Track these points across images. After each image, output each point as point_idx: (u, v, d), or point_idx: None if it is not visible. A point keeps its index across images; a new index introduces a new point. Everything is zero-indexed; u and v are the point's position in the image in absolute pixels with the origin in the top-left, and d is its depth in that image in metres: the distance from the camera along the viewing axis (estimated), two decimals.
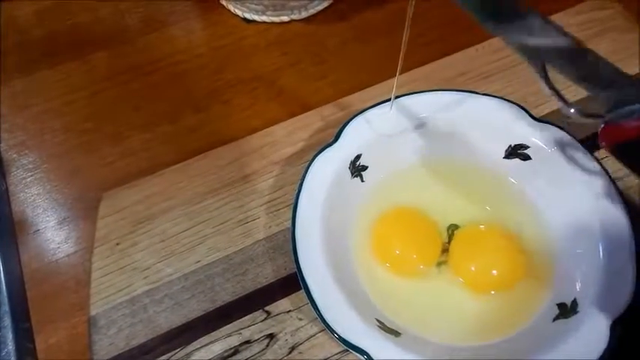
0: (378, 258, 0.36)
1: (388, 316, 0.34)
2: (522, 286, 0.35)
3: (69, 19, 0.54)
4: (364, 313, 0.32)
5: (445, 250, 0.36)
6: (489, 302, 0.34)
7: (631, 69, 0.45)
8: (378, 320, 0.33)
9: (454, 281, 0.35)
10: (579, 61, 0.27)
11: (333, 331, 0.31)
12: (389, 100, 0.39)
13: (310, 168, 0.36)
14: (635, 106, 0.26)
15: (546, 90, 0.28)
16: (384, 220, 0.37)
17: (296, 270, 0.33)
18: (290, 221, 0.35)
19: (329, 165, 0.37)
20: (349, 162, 0.37)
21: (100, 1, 0.55)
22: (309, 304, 0.32)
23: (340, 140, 0.37)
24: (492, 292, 0.35)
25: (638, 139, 0.26)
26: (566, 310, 0.32)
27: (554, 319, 0.32)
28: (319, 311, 0.31)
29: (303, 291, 0.32)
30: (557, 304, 0.33)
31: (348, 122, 0.38)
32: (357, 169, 0.38)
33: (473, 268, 0.36)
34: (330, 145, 0.37)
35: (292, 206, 0.35)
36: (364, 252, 0.36)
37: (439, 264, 0.36)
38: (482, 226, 0.37)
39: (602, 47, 0.47)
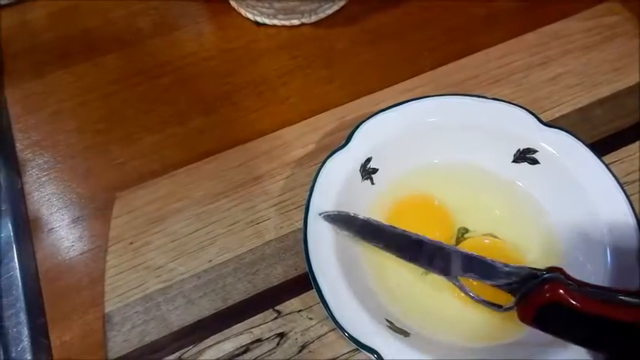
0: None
1: (397, 316, 0.34)
2: None
3: (81, 23, 0.55)
4: (374, 312, 0.33)
5: None
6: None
7: (635, 76, 0.46)
8: (387, 320, 0.33)
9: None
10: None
11: (343, 330, 0.31)
12: (398, 103, 0.40)
13: (321, 170, 0.37)
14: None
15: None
16: (404, 200, 0.38)
17: (307, 270, 0.33)
18: (300, 222, 0.36)
19: (340, 168, 0.37)
20: (360, 165, 0.38)
21: (111, 5, 0.56)
22: (320, 304, 0.32)
23: (351, 143, 0.38)
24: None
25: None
26: None
27: None
28: (330, 311, 0.32)
29: (313, 291, 0.33)
30: None
31: (358, 126, 0.39)
32: (367, 171, 0.38)
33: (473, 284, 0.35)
34: (340, 148, 0.38)
35: (304, 207, 0.36)
36: (374, 253, 0.37)
37: None
38: (486, 241, 0.37)
39: (609, 53, 0.48)
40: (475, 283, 0.34)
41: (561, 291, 0.28)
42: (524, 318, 0.30)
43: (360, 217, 0.36)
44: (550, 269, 0.30)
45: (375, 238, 0.36)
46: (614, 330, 0.27)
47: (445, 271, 0.34)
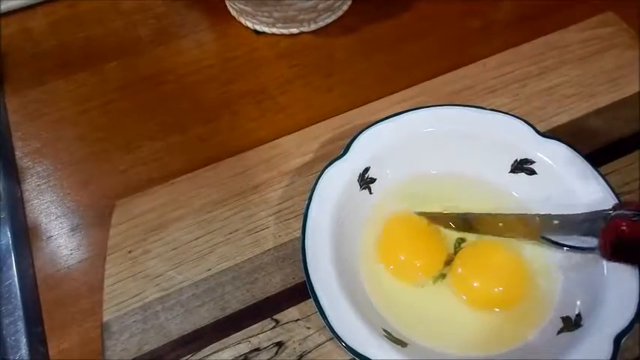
0: (382, 258, 0.37)
1: (395, 326, 0.34)
2: (527, 300, 0.35)
3: (82, 31, 0.55)
4: (372, 322, 0.33)
5: (449, 262, 0.37)
6: (494, 315, 0.35)
7: (635, 85, 0.46)
8: (385, 330, 0.33)
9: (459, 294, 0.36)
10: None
11: (340, 340, 0.31)
12: (396, 113, 0.40)
13: (320, 180, 0.37)
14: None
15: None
16: (394, 222, 0.38)
17: (305, 279, 0.34)
18: (299, 231, 0.36)
19: (338, 177, 0.37)
20: (358, 175, 0.38)
21: (112, 14, 0.56)
22: (318, 313, 0.32)
23: (349, 153, 0.38)
24: (496, 310, 0.35)
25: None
26: (571, 324, 0.33)
27: (559, 332, 0.33)
28: (328, 320, 0.32)
29: (311, 300, 0.33)
30: (562, 318, 0.33)
31: (357, 136, 0.39)
32: (365, 181, 0.39)
33: (475, 287, 0.36)
34: (339, 157, 0.38)
35: (302, 217, 0.36)
36: (372, 262, 0.37)
37: (442, 275, 0.37)
38: (485, 244, 0.37)
39: (606, 64, 0.48)
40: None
41: (622, 226, 0.30)
42: (604, 255, 0.32)
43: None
44: (615, 206, 0.32)
45: (463, 226, 0.38)
46: None
47: (530, 236, 0.36)
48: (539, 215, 0.36)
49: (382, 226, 0.38)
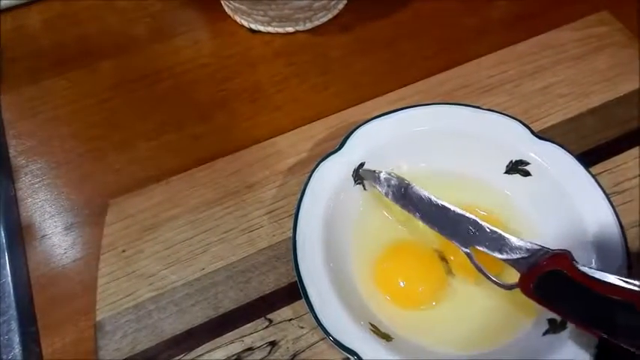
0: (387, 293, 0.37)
1: (382, 320, 0.34)
2: (514, 301, 0.35)
3: (77, 29, 0.55)
4: (359, 317, 0.33)
5: (445, 259, 0.37)
6: (480, 314, 0.35)
7: (629, 85, 0.46)
8: (371, 324, 0.33)
9: (451, 289, 0.36)
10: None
11: (328, 334, 0.32)
12: (393, 110, 0.40)
13: (314, 173, 0.37)
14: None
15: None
16: (382, 271, 0.37)
17: (295, 276, 0.34)
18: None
19: (333, 171, 0.38)
20: (353, 170, 0.38)
21: (108, 12, 0.56)
22: (309, 311, 0.33)
23: (345, 148, 0.38)
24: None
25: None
26: (556, 325, 0.33)
27: (544, 334, 0.33)
28: (315, 312, 0.32)
29: (304, 299, 0.33)
30: (548, 319, 0.33)
31: (353, 131, 0.39)
32: (360, 176, 0.39)
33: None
34: (335, 151, 0.38)
35: (295, 211, 0.36)
36: (363, 259, 0.37)
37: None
38: None
39: (601, 63, 0.48)
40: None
41: (567, 262, 0.29)
42: (524, 287, 0.31)
43: (394, 179, 0.37)
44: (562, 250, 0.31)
45: (402, 199, 0.37)
46: (609, 308, 0.28)
47: (459, 239, 0.35)
48: (478, 223, 0.34)
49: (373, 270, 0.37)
